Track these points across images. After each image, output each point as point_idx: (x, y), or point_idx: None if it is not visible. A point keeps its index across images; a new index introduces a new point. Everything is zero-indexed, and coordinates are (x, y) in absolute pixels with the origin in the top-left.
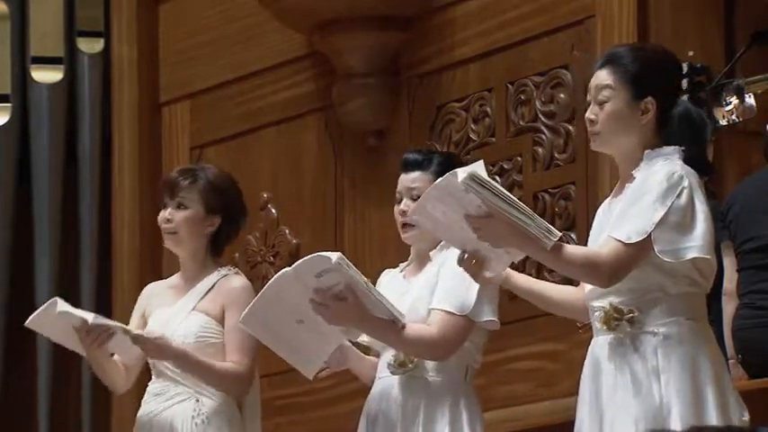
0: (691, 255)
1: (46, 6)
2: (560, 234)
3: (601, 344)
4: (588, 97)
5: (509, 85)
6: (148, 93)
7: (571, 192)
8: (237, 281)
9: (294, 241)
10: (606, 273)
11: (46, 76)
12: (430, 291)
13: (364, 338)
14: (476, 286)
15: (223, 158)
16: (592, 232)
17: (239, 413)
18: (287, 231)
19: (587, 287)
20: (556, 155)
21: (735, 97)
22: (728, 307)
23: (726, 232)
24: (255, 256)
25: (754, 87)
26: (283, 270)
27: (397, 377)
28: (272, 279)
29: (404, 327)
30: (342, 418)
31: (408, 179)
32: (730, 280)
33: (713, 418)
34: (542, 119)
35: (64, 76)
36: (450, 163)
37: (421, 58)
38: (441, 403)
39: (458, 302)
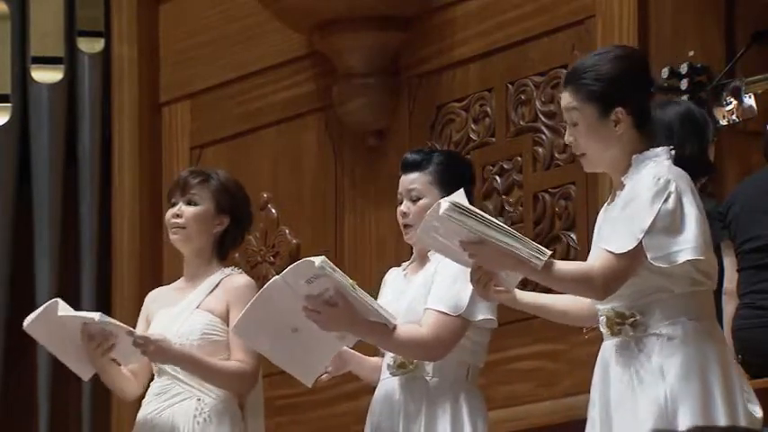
0: (683, 257)
1: (46, 6)
2: (550, 252)
3: (608, 348)
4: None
5: (509, 85)
6: (148, 93)
7: (571, 192)
8: (241, 279)
9: (294, 241)
10: (600, 285)
11: (46, 75)
12: (427, 291)
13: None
14: (470, 286)
15: (223, 158)
16: (593, 239)
17: (240, 412)
18: (287, 231)
19: None
20: (556, 155)
21: (733, 98)
22: (729, 307)
23: (726, 232)
24: (255, 255)
25: (755, 87)
26: (273, 278)
27: (397, 378)
28: (263, 288)
29: (395, 328)
30: (342, 418)
31: (407, 180)
32: (730, 280)
33: (721, 418)
34: (542, 119)
35: (64, 76)
36: (448, 162)
37: (421, 58)
38: (442, 403)
39: (451, 303)
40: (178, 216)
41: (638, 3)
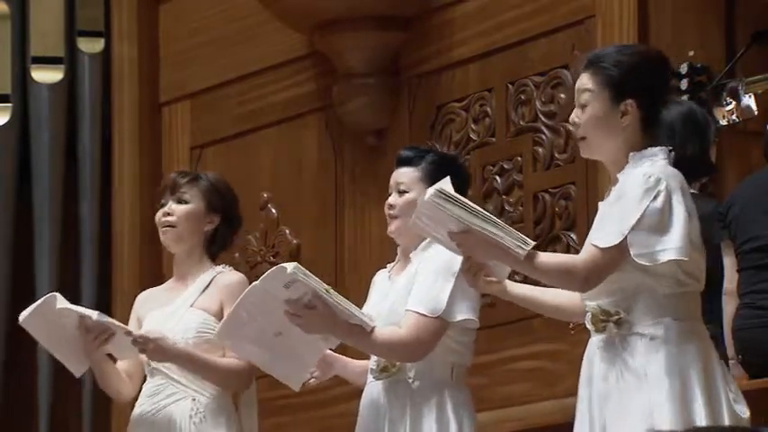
0: (666, 257)
1: (46, 6)
2: (534, 243)
3: (594, 344)
4: (575, 100)
5: (509, 85)
6: (149, 92)
7: (571, 192)
8: (234, 276)
9: (294, 241)
10: (581, 278)
11: (46, 75)
12: (408, 292)
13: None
14: (449, 287)
15: (223, 158)
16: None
17: (236, 410)
18: (287, 231)
19: None
20: (556, 155)
21: (733, 98)
22: (729, 307)
23: (726, 232)
24: (255, 255)
25: (754, 87)
26: (252, 284)
27: (381, 382)
28: (242, 294)
29: (373, 330)
30: (342, 418)
31: (398, 174)
32: (730, 280)
33: (701, 418)
34: (542, 119)
35: (64, 76)
36: (441, 162)
37: (421, 58)
38: (426, 404)
39: (430, 304)
40: (168, 214)
41: (638, 3)
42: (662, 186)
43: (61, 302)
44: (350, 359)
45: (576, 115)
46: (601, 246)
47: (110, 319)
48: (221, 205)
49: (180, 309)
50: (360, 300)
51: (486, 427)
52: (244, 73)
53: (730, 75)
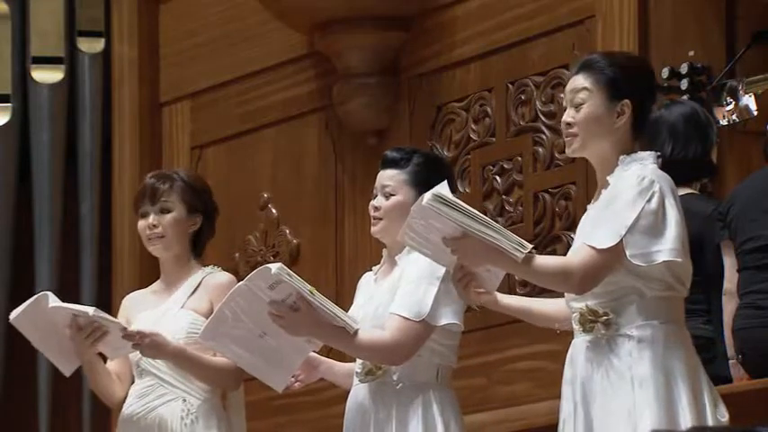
0: (662, 258)
1: (46, 6)
2: (531, 246)
3: (579, 345)
4: (564, 102)
5: (509, 85)
6: (149, 93)
7: (571, 192)
8: (223, 277)
9: (294, 241)
10: (578, 280)
11: (46, 76)
12: (392, 295)
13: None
14: (433, 291)
15: (223, 158)
16: (575, 240)
17: (224, 410)
18: (287, 231)
19: None
20: (556, 155)
21: (733, 98)
22: (729, 307)
23: (726, 232)
24: (256, 255)
25: (755, 87)
26: (237, 285)
27: (366, 385)
28: (228, 295)
29: (356, 333)
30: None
31: (384, 176)
32: (730, 280)
33: (686, 419)
34: (543, 119)
35: (64, 76)
36: (427, 164)
37: (421, 58)
38: (412, 406)
39: (414, 308)
40: (155, 226)
41: (638, 3)
42: (656, 188)
43: (54, 301)
44: (335, 362)
45: (569, 115)
46: (598, 247)
47: (105, 315)
48: (200, 204)
49: (170, 310)
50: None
51: (486, 427)
52: (244, 73)
53: (730, 75)
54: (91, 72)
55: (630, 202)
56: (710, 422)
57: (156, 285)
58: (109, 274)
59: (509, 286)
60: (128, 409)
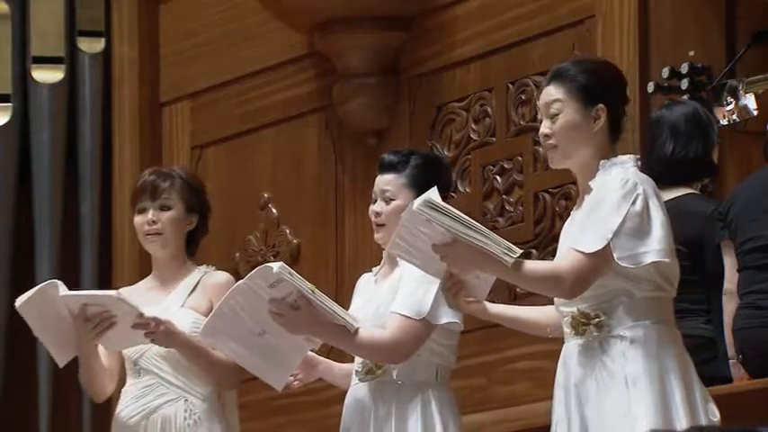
0: (649, 259)
1: (46, 6)
2: (521, 251)
3: (571, 348)
4: (539, 115)
5: (509, 85)
6: (149, 92)
7: (571, 191)
8: (221, 276)
9: (294, 241)
10: (569, 285)
11: (47, 75)
12: (393, 295)
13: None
14: (434, 290)
15: (223, 158)
16: (559, 246)
17: (223, 410)
18: (287, 231)
19: None
20: None
21: (733, 98)
22: (729, 306)
23: (726, 232)
24: (256, 255)
25: (755, 87)
26: (237, 283)
27: (366, 384)
28: (228, 292)
29: (357, 331)
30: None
31: (382, 181)
32: (731, 280)
33: (680, 418)
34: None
35: (64, 76)
36: (425, 166)
37: (421, 58)
38: (411, 406)
39: (414, 307)
40: (154, 223)
41: (638, 3)
42: (639, 190)
43: (63, 290)
44: (334, 362)
45: (546, 127)
46: (585, 251)
47: (127, 298)
48: (197, 203)
49: (170, 309)
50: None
51: (486, 427)
52: (244, 73)
53: (730, 74)
54: (91, 72)
55: (615, 206)
56: (703, 420)
57: (149, 282)
58: (109, 273)
59: (509, 290)
60: (126, 408)
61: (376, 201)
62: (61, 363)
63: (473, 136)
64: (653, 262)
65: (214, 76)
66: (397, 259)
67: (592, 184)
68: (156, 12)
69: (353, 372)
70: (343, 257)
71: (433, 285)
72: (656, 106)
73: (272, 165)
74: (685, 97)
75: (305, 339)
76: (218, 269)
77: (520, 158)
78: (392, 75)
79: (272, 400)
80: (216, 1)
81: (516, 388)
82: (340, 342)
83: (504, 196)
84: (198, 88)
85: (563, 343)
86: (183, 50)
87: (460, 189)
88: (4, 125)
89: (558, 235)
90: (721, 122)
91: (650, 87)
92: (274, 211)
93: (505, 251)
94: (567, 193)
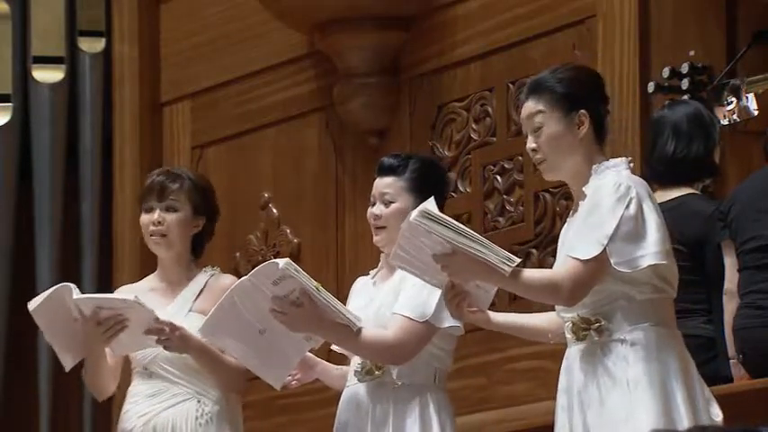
0: (646, 263)
1: (47, 6)
2: (519, 260)
3: (573, 354)
4: (523, 130)
5: (510, 85)
6: (149, 92)
7: (572, 191)
8: (228, 279)
9: (295, 241)
10: (567, 292)
11: (47, 75)
12: (395, 297)
13: (335, 346)
14: (437, 293)
15: (224, 158)
16: (557, 253)
17: (237, 413)
18: (288, 231)
19: None
20: None
21: (733, 97)
22: (729, 306)
23: (726, 232)
24: (256, 255)
25: (755, 87)
26: (240, 280)
27: (364, 384)
28: (229, 290)
29: (359, 331)
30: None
31: (382, 184)
32: (731, 280)
33: (682, 419)
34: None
35: (65, 76)
36: (424, 169)
37: (422, 58)
38: (410, 407)
39: (418, 309)
40: (160, 223)
41: (638, 2)
42: (633, 194)
43: (77, 293)
44: (329, 363)
45: (531, 141)
46: (582, 258)
47: (144, 303)
48: (205, 206)
49: (178, 313)
50: None
51: (486, 426)
52: (244, 73)
53: (731, 74)
54: (91, 72)
55: (610, 211)
56: (705, 421)
57: (152, 282)
58: (109, 273)
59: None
60: (134, 408)
61: (374, 204)
62: (68, 366)
63: (473, 136)
64: (650, 265)
65: (214, 76)
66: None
67: (586, 189)
68: (157, 12)
69: (353, 372)
70: (343, 257)
71: (437, 288)
72: (656, 106)
73: (272, 165)
74: (686, 97)
75: (305, 338)
76: (222, 271)
77: (520, 158)
78: (392, 75)
79: (274, 399)
80: (216, 1)
81: (516, 388)
82: (342, 341)
83: (504, 196)
84: (198, 88)
85: (564, 343)
86: (183, 50)
87: (461, 189)
88: (4, 125)
89: (558, 235)
90: (722, 122)
91: (650, 87)
92: (275, 210)
93: (504, 260)
94: (567, 193)
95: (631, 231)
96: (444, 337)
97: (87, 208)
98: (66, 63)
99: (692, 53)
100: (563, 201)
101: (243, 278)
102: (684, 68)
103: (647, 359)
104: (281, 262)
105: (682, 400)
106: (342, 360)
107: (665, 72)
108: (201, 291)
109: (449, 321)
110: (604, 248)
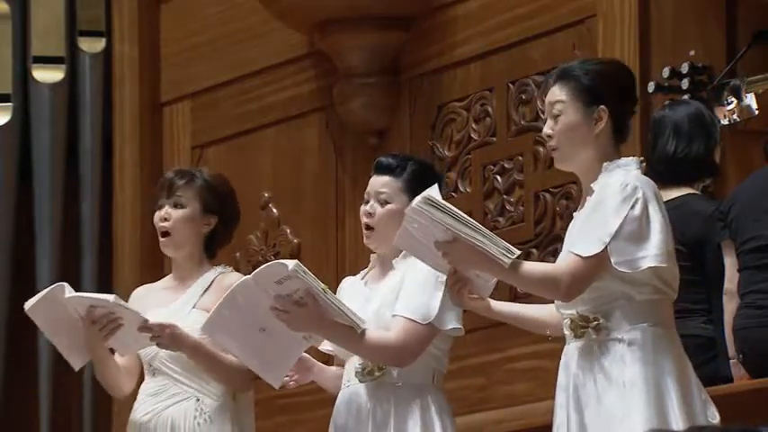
0: (646, 264)
1: (47, 6)
2: (519, 252)
3: (571, 350)
4: (544, 114)
5: (510, 85)
6: (149, 92)
7: (572, 191)
8: (235, 277)
9: (295, 241)
10: (565, 287)
11: (47, 75)
12: (394, 297)
13: (328, 347)
14: (439, 295)
15: (224, 158)
16: (563, 247)
17: (237, 411)
18: (288, 231)
19: None
20: None
21: (734, 97)
22: (729, 306)
23: (726, 231)
24: (256, 255)
25: (755, 87)
26: (243, 278)
27: (364, 385)
28: (232, 287)
29: (363, 332)
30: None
31: (378, 182)
32: (731, 280)
33: (677, 420)
34: (543, 118)
35: (65, 76)
36: (421, 172)
37: (422, 58)
38: (410, 408)
39: (420, 311)
40: (165, 219)
41: (638, 2)
42: (639, 194)
43: (70, 292)
44: (324, 365)
45: (548, 127)
46: (583, 255)
47: (125, 304)
48: (217, 205)
49: (182, 309)
50: None
51: (486, 426)
52: (244, 73)
53: (731, 74)
54: (91, 72)
55: (614, 210)
56: (701, 422)
57: (167, 281)
58: (109, 273)
59: (510, 287)
60: (139, 407)
61: (368, 201)
62: (76, 366)
63: (474, 136)
64: (650, 267)
65: (214, 76)
66: (394, 262)
67: (594, 186)
68: (157, 12)
69: (352, 372)
70: (343, 257)
71: (439, 291)
72: (656, 106)
73: (272, 165)
74: (686, 97)
75: (303, 337)
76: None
77: (520, 158)
78: (392, 75)
79: (274, 399)
80: (216, 1)
81: (516, 388)
82: (345, 342)
83: (504, 196)
84: (198, 88)
85: (564, 343)
86: (183, 50)
87: (461, 189)
88: (4, 125)
89: (559, 235)
90: (722, 122)
91: (651, 87)
92: (275, 210)
93: (503, 251)
94: (567, 193)
95: (634, 232)
96: (443, 338)
97: (87, 208)
98: (66, 63)
99: (692, 53)
100: (563, 201)
101: (246, 276)
102: (684, 68)
103: (643, 360)
104: (291, 264)
105: (677, 402)
106: (330, 361)
107: (666, 72)
108: (208, 288)
109: (452, 323)
110: (606, 247)
